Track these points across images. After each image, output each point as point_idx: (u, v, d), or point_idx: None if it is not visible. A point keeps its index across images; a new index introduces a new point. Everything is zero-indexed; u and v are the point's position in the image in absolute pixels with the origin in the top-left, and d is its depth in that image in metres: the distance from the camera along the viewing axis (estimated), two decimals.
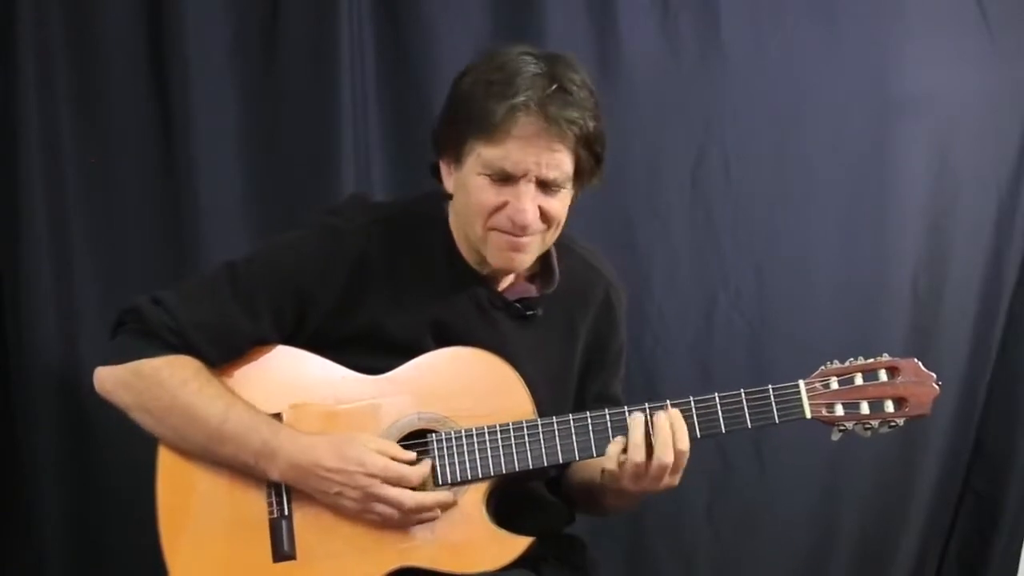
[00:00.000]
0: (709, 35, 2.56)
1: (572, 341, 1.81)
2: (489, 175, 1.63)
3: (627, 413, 1.64)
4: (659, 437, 1.60)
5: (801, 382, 1.65)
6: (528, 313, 1.76)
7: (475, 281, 1.75)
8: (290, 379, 1.73)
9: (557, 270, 1.78)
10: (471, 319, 1.74)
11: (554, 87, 1.60)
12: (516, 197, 1.63)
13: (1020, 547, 2.74)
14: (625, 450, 1.61)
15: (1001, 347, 2.73)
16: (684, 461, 1.62)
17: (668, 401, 1.64)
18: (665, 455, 1.59)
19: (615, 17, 2.52)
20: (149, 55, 2.35)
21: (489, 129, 1.60)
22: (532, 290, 1.78)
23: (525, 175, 1.62)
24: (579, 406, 1.78)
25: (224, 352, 1.71)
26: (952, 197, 2.68)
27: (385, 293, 1.71)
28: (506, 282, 1.78)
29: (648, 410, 1.63)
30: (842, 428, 1.65)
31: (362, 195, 1.95)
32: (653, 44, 2.55)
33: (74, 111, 2.32)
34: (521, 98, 1.58)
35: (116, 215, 2.36)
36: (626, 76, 2.51)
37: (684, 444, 1.60)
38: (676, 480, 1.64)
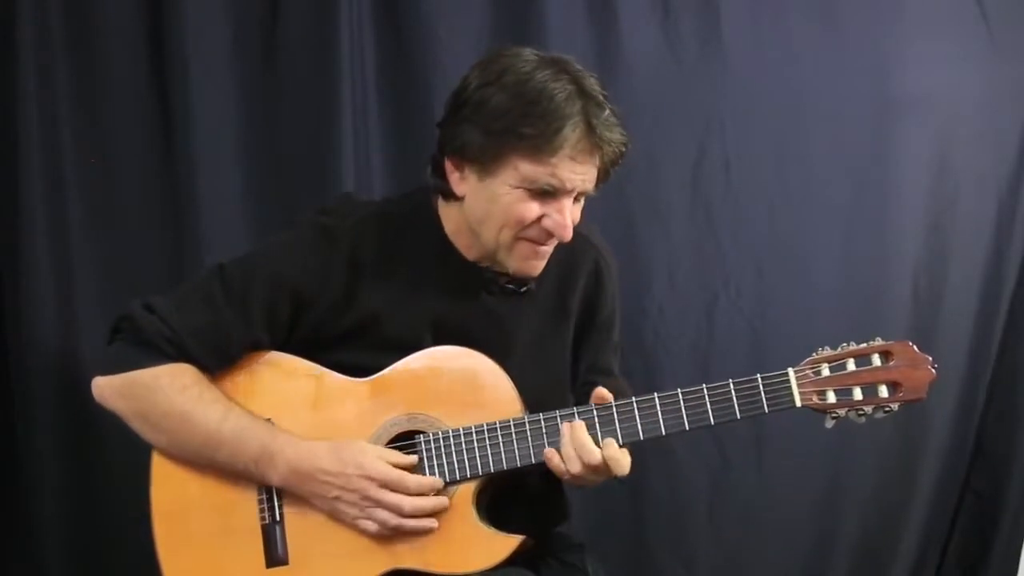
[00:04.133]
0: (709, 35, 2.56)
1: (565, 313, 1.81)
2: (529, 189, 1.62)
3: (613, 408, 1.62)
4: (564, 451, 1.60)
5: (790, 370, 1.60)
6: (522, 290, 1.75)
7: (467, 270, 1.74)
8: (278, 384, 1.72)
9: None
10: (467, 308, 1.74)
11: (606, 112, 1.60)
12: (559, 211, 1.63)
13: (1020, 547, 2.74)
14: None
15: (1001, 347, 2.73)
16: (602, 466, 1.59)
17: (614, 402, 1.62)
18: (572, 466, 1.60)
19: (615, 17, 2.52)
20: (149, 55, 2.35)
21: (540, 148, 1.58)
22: None
23: (571, 192, 1.63)
24: (573, 379, 1.79)
25: (220, 359, 1.71)
26: (952, 197, 2.67)
27: (378, 290, 1.71)
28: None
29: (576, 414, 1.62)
30: (835, 415, 1.61)
31: (352, 194, 1.95)
32: (653, 44, 2.55)
33: (74, 111, 2.33)
34: (575, 119, 1.58)
35: (116, 215, 2.36)
36: (626, 76, 2.51)
37: (589, 456, 1.59)
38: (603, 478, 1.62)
